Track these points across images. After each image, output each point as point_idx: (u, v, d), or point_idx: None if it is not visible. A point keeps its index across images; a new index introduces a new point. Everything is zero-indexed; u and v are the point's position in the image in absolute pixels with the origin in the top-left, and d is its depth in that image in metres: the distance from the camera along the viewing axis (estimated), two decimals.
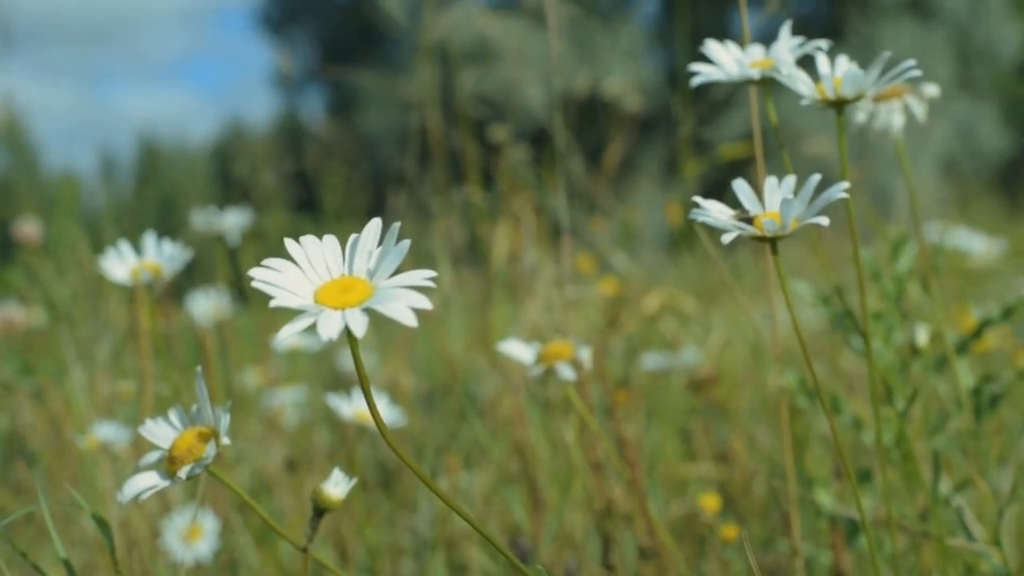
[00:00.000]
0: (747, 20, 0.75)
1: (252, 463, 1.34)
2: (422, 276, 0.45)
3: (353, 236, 0.49)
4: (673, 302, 1.57)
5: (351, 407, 0.99)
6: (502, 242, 1.53)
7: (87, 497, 1.14)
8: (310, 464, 1.32)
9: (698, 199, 0.55)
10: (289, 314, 0.45)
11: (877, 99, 0.79)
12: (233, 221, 1.34)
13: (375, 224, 0.48)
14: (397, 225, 0.47)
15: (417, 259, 1.86)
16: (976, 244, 1.58)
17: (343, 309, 0.45)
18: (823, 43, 0.65)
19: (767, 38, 0.70)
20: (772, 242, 0.55)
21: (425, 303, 0.44)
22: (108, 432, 1.12)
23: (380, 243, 0.48)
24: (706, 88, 0.82)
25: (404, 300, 0.44)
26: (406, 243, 0.46)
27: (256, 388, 1.62)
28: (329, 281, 0.47)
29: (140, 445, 1.12)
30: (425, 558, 1.14)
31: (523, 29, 7.95)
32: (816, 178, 0.54)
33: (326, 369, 1.84)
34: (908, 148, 0.81)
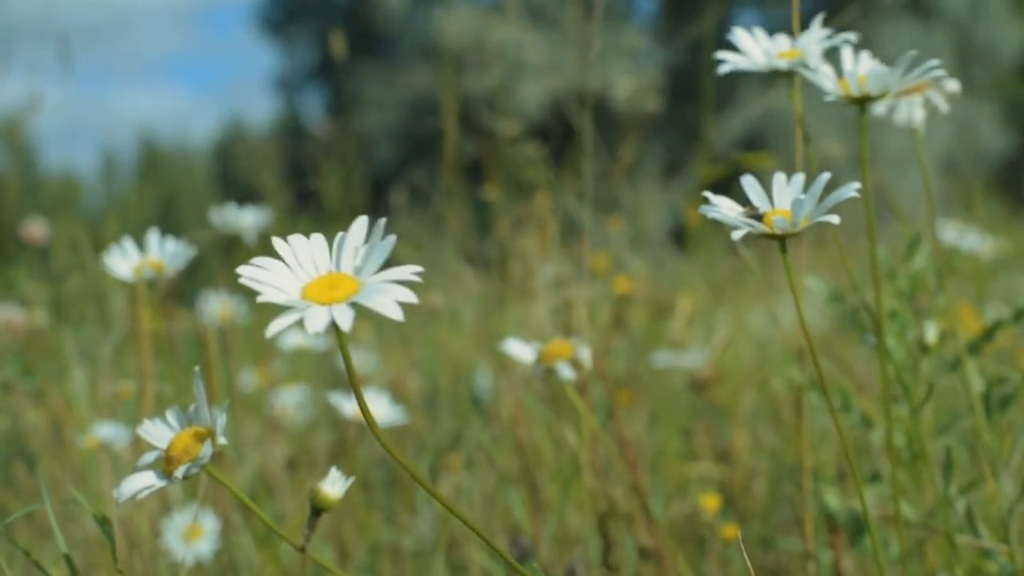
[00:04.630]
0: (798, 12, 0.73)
1: (253, 463, 1.34)
2: (408, 271, 0.46)
3: (340, 234, 0.49)
4: (678, 303, 1.57)
5: (352, 405, 0.99)
6: (526, 245, 1.52)
7: (87, 497, 1.14)
8: (312, 464, 1.32)
9: (708, 195, 0.55)
10: (283, 312, 0.46)
11: (898, 94, 0.78)
12: (251, 220, 1.33)
13: (362, 221, 0.49)
14: (383, 221, 0.47)
15: (425, 260, 1.85)
16: (981, 243, 1.57)
17: (330, 304, 0.45)
18: (852, 36, 0.64)
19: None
20: (782, 240, 0.54)
21: (411, 297, 0.44)
22: (108, 432, 1.12)
23: (367, 240, 0.48)
24: (707, 88, 0.82)
25: (390, 294, 0.44)
26: (392, 239, 0.47)
27: (258, 388, 1.61)
28: (317, 278, 0.48)
29: (140, 445, 1.12)
30: (426, 558, 1.14)
31: (522, 28, 7.94)
32: (826, 176, 0.53)
33: (328, 369, 1.84)
34: (908, 147, 0.81)
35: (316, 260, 0.49)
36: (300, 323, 0.45)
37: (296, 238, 0.49)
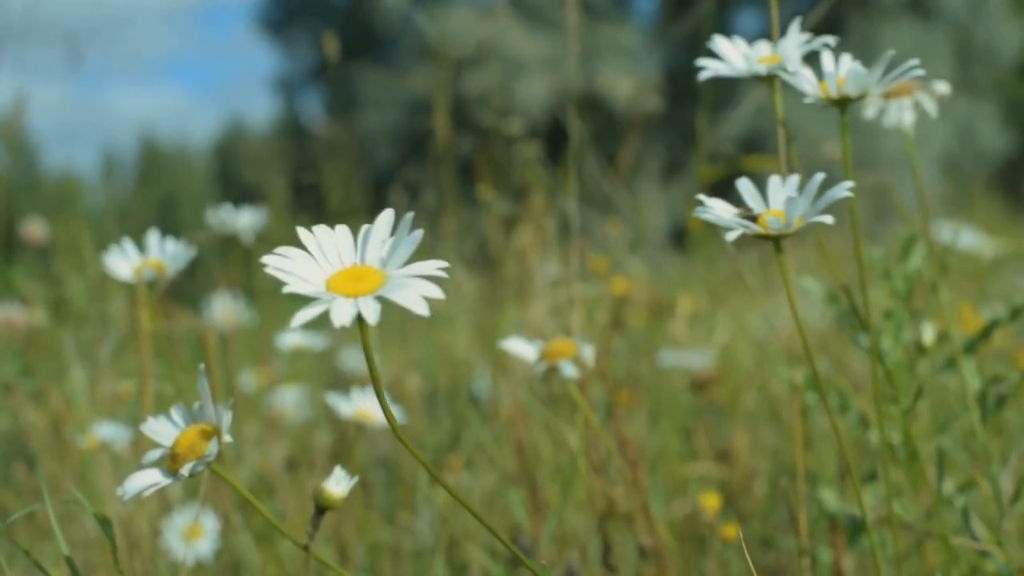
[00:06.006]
0: (777, 14, 0.74)
1: (253, 463, 1.34)
2: (434, 266, 0.45)
3: (366, 226, 0.49)
4: (679, 303, 1.57)
5: (350, 405, 0.99)
6: (521, 245, 1.52)
7: (87, 497, 1.14)
8: (311, 464, 1.32)
9: (703, 197, 0.55)
10: (296, 308, 0.46)
11: (887, 96, 0.79)
12: (247, 221, 1.33)
13: (388, 214, 0.49)
14: (410, 215, 0.47)
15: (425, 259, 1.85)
16: (977, 243, 1.58)
17: (355, 297, 0.45)
18: (830, 39, 0.65)
19: (766, 38, 0.70)
20: (776, 240, 0.55)
21: (437, 293, 0.44)
22: (108, 432, 1.12)
23: (392, 233, 0.48)
24: (706, 89, 0.82)
25: (417, 289, 0.44)
26: (419, 233, 0.47)
27: (257, 388, 1.61)
28: (341, 270, 0.48)
29: (140, 445, 1.12)
30: (426, 558, 1.14)
31: (522, 29, 7.95)
32: (820, 176, 0.53)
33: (327, 369, 1.84)
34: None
35: (340, 252, 0.48)
36: (311, 319, 0.45)
37: (321, 228, 0.49)
